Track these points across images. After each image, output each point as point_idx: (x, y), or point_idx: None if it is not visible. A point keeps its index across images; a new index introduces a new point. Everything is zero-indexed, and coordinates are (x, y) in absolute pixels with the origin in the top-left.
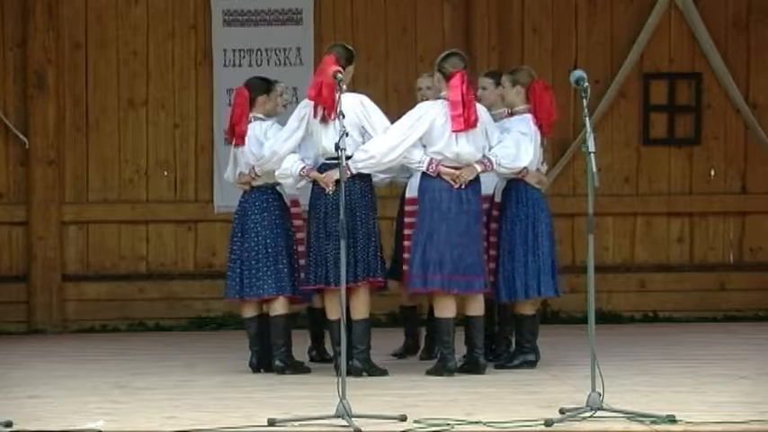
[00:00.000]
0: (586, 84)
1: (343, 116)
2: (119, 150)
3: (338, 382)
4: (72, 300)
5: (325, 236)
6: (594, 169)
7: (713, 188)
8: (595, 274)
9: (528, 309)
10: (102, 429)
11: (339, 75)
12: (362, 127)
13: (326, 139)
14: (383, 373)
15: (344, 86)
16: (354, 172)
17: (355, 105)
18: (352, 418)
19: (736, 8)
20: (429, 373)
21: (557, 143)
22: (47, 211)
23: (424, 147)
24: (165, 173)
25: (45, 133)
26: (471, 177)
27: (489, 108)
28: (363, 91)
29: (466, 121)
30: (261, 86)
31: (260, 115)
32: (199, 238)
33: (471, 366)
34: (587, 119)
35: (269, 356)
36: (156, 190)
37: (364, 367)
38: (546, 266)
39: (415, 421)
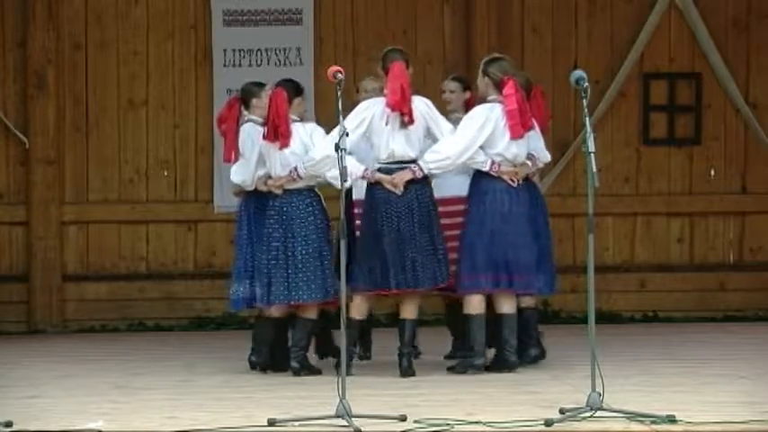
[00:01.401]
0: (586, 84)
1: (343, 117)
2: (119, 150)
3: (338, 382)
4: (72, 300)
5: (399, 239)
6: (594, 169)
7: (713, 188)
8: (595, 274)
9: (531, 303)
10: (101, 429)
11: (339, 75)
12: (427, 128)
13: (395, 142)
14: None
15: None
16: (426, 173)
17: (422, 107)
18: (352, 418)
19: (736, 8)
20: (452, 370)
21: (557, 143)
22: (47, 211)
23: (482, 148)
24: (166, 173)
25: (45, 133)
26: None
27: (452, 113)
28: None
29: (524, 127)
30: (295, 88)
31: (296, 117)
32: (199, 238)
33: (502, 364)
34: (587, 119)
35: (274, 358)
36: (156, 190)
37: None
38: (551, 264)
39: (415, 421)
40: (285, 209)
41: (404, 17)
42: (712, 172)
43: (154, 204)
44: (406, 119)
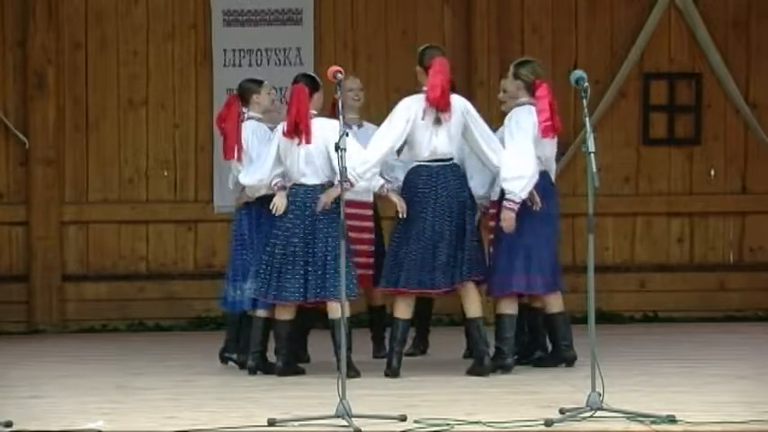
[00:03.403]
0: (586, 84)
1: (343, 116)
2: (119, 150)
3: (338, 382)
4: (72, 300)
5: (432, 238)
6: (594, 169)
7: (713, 188)
8: (595, 274)
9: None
10: (102, 429)
11: (339, 75)
12: (465, 126)
13: (438, 139)
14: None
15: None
16: (518, 201)
17: (462, 104)
18: (352, 418)
19: (736, 8)
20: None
21: (557, 143)
22: (47, 211)
23: None
24: (165, 173)
25: (45, 133)
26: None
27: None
28: (364, 91)
29: (554, 128)
30: (314, 84)
31: (314, 112)
32: (199, 238)
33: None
34: (587, 119)
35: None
36: (156, 190)
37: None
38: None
39: (415, 421)
40: (308, 204)
41: (404, 17)
42: (712, 172)
43: (154, 204)
44: (442, 115)
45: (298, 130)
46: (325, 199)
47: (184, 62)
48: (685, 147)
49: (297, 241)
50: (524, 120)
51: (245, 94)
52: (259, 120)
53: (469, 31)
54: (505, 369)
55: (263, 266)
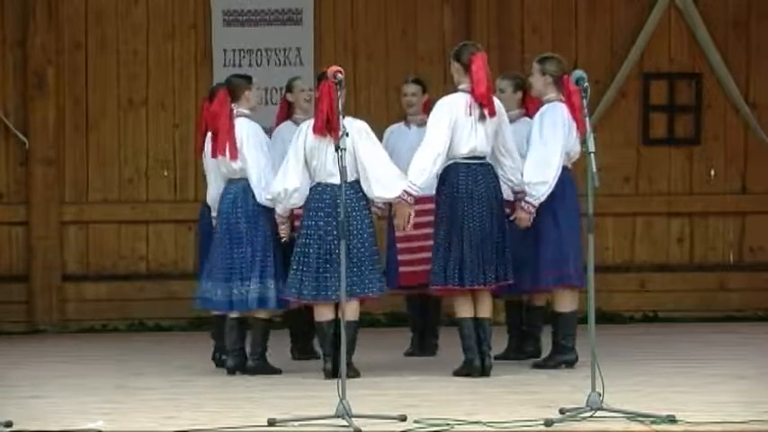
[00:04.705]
0: (586, 84)
1: (343, 116)
2: (118, 150)
3: (338, 382)
4: (72, 300)
5: (482, 235)
6: (594, 169)
7: (713, 188)
8: (595, 274)
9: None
10: (102, 429)
11: (339, 75)
12: (496, 129)
13: (477, 137)
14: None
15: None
16: (536, 204)
17: (499, 108)
18: (352, 418)
19: (736, 8)
20: (538, 366)
21: None
22: (47, 211)
23: None
24: (165, 173)
25: (45, 133)
26: None
27: (412, 116)
28: (364, 91)
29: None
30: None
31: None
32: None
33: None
34: (587, 119)
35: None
36: (156, 190)
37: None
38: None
39: (415, 421)
40: (339, 202)
41: (404, 17)
42: (712, 172)
43: (154, 204)
44: (487, 111)
45: (329, 128)
46: (401, 222)
47: (184, 62)
48: (685, 147)
49: (331, 239)
50: (555, 118)
51: (236, 89)
52: (248, 117)
53: (469, 30)
54: (570, 364)
55: (298, 267)
